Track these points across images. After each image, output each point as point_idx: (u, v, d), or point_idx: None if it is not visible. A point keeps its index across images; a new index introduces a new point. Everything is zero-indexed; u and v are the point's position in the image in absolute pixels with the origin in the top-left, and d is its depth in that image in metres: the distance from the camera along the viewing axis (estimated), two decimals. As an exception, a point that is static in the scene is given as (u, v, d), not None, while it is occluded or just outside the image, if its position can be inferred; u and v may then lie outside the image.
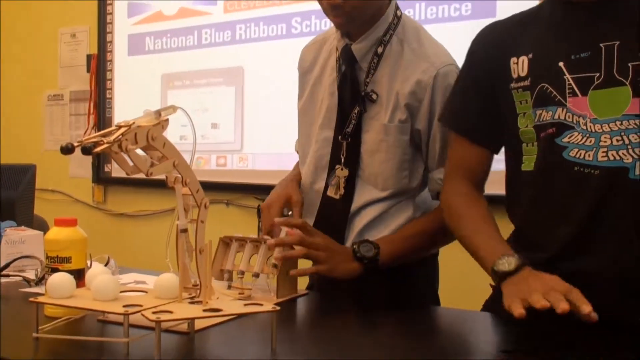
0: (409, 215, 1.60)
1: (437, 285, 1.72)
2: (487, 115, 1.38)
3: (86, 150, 1.02)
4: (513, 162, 1.35)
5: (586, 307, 1.04)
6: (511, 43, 1.33)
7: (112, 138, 1.03)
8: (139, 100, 3.84)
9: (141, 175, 1.11)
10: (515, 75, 1.31)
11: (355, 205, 1.60)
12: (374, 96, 1.58)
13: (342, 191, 1.61)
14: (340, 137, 1.61)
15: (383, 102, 1.57)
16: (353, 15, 1.53)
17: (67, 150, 1.02)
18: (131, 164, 1.07)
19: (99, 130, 3.98)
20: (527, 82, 1.28)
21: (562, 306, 1.04)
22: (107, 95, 3.98)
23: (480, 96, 1.38)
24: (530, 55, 1.29)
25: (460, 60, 1.49)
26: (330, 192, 1.62)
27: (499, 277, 1.20)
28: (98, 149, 1.02)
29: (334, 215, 1.62)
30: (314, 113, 1.69)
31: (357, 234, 1.60)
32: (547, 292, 1.08)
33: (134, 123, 1.07)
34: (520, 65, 1.30)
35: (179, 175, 1.13)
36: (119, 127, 1.06)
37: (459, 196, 1.41)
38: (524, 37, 1.32)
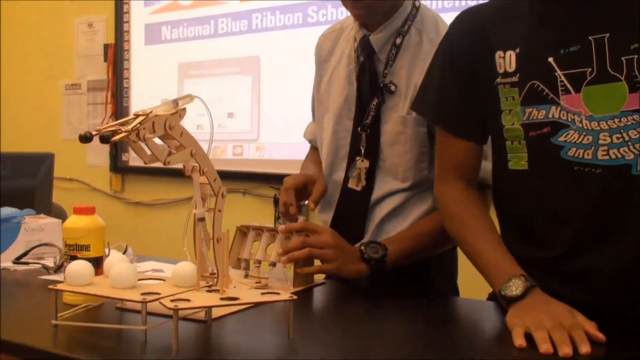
0: (429, 205, 1.59)
1: (456, 275, 1.71)
2: (469, 107, 1.32)
3: (104, 139, 1.02)
4: (498, 159, 1.31)
5: (584, 348, 1.03)
6: (495, 35, 1.26)
7: (130, 127, 1.03)
8: (155, 89, 3.85)
9: (159, 164, 1.11)
10: (501, 70, 1.25)
11: (375, 196, 1.60)
12: (393, 87, 1.57)
13: (363, 182, 1.60)
14: (359, 128, 1.60)
15: (401, 94, 1.56)
16: (373, 7, 1.52)
17: (85, 138, 1.02)
18: (149, 152, 1.08)
19: (116, 120, 4.01)
20: (515, 79, 1.23)
21: (565, 351, 1.02)
22: (124, 85, 3.99)
23: (462, 88, 1.32)
24: (518, 50, 1.23)
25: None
26: (351, 184, 1.61)
27: (507, 302, 1.17)
28: (116, 138, 1.03)
29: (354, 207, 1.62)
30: (330, 101, 1.68)
31: (377, 225, 1.59)
32: (553, 328, 1.06)
33: (151, 112, 1.07)
34: (507, 60, 1.24)
35: (197, 164, 1.14)
36: (137, 116, 1.06)
37: (453, 197, 1.36)
38: (508, 29, 1.25)
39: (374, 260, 1.47)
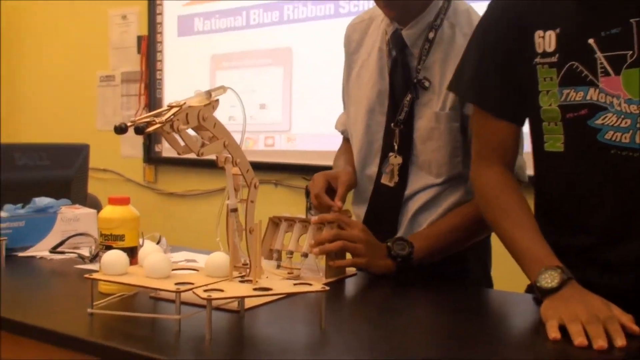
0: (460, 195, 1.58)
1: (490, 266, 1.70)
2: (508, 87, 1.30)
3: (139, 130, 1.03)
4: (534, 141, 1.30)
5: (620, 341, 1.02)
6: (535, 14, 1.24)
7: (164, 118, 1.04)
8: (188, 81, 3.87)
9: (192, 155, 1.12)
10: (540, 50, 1.23)
11: (409, 191, 1.59)
12: (426, 83, 1.55)
13: (396, 179, 1.60)
14: (392, 124, 1.59)
15: (435, 90, 1.55)
16: (407, 7, 1.52)
17: (120, 130, 1.03)
18: (182, 143, 1.09)
19: (149, 112, 4.04)
20: (554, 59, 1.22)
21: (600, 344, 1.01)
22: (157, 76, 4.02)
23: (500, 67, 1.30)
24: (558, 30, 1.21)
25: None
26: (385, 180, 1.61)
27: (542, 293, 1.15)
28: (150, 129, 1.04)
29: (387, 202, 1.61)
30: (361, 95, 1.67)
31: (411, 218, 1.59)
32: (588, 320, 1.05)
33: (185, 103, 1.08)
34: (546, 40, 1.22)
35: (229, 156, 1.14)
36: (171, 107, 1.07)
37: (491, 181, 1.34)
38: (548, 8, 1.23)
39: (400, 257, 1.47)
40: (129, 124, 1.04)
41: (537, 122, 1.27)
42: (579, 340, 1.02)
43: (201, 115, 1.08)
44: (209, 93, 1.11)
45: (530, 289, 1.38)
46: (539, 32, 1.23)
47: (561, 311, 1.09)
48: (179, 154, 1.10)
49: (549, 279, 1.15)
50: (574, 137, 1.21)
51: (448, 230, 1.54)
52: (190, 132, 1.10)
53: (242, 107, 1.18)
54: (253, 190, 1.17)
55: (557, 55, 1.21)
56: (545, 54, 1.23)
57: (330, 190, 1.58)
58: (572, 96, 1.20)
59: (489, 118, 1.33)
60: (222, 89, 1.15)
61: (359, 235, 1.47)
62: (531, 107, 1.27)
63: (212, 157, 1.15)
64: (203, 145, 1.11)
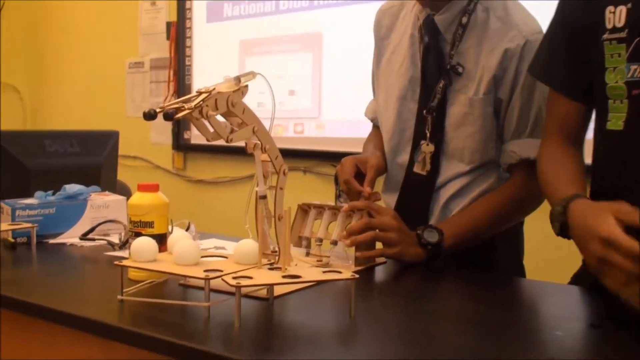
0: (493, 181, 1.57)
1: (522, 254, 1.68)
2: (578, 67, 1.30)
3: (168, 116, 1.03)
4: (598, 119, 1.28)
5: None
6: None
7: (193, 104, 1.05)
8: (217, 67, 3.88)
9: (220, 142, 1.12)
10: (609, 26, 1.22)
11: (440, 180, 1.59)
12: (460, 69, 1.54)
13: (428, 167, 1.58)
14: (425, 111, 1.58)
15: (469, 75, 1.53)
16: None
17: (149, 116, 1.03)
18: (211, 130, 1.09)
19: (178, 98, 4.06)
20: (623, 34, 1.20)
21: None
22: (187, 63, 4.04)
23: (570, 46, 1.31)
24: (629, 5, 1.19)
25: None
26: (417, 169, 1.60)
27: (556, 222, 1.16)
28: (179, 115, 1.04)
29: (419, 191, 1.61)
30: (392, 82, 1.66)
31: (442, 207, 1.58)
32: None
33: (214, 89, 1.08)
34: (617, 15, 1.20)
35: (259, 142, 1.14)
36: (200, 93, 1.07)
37: (550, 152, 1.35)
38: None
39: (430, 245, 1.46)
40: (158, 110, 1.04)
41: (602, 100, 1.26)
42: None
43: (230, 101, 1.08)
44: (237, 79, 1.11)
45: (577, 279, 1.36)
46: (610, 8, 1.22)
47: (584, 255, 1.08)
48: (208, 140, 1.10)
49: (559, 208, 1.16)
50: (637, 115, 1.20)
51: (478, 217, 1.53)
52: (220, 118, 1.10)
53: (271, 93, 1.17)
54: (282, 177, 1.17)
55: (626, 30, 1.20)
56: (614, 30, 1.21)
57: (360, 175, 1.57)
58: (638, 72, 1.19)
59: (558, 96, 1.36)
60: (252, 74, 1.14)
61: (391, 223, 1.46)
62: (597, 84, 1.26)
63: (241, 143, 1.15)
64: (232, 131, 1.11)
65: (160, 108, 1.04)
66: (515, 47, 1.48)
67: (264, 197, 1.17)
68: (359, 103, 1.97)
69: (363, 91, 1.94)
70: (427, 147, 1.58)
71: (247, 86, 1.12)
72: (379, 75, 1.71)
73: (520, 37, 1.49)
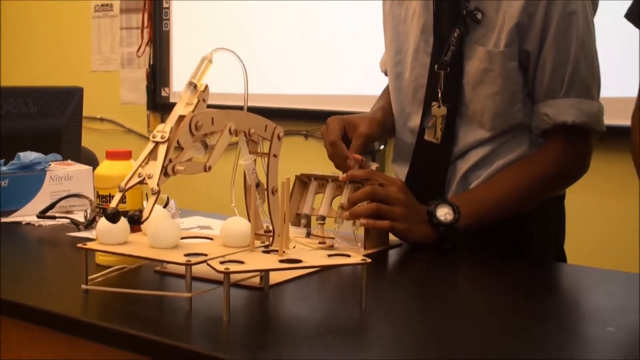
0: (522, 150, 1.56)
1: (563, 237, 1.68)
2: None
3: (134, 221, 1.04)
4: None
5: None
6: None
7: (156, 178, 1.03)
8: (198, 11, 3.86)
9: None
10: None
11: (458, 148, 1.57)
12: (479, 15, 1.52)
13: (440, 133, 1.57)
14: (436, 66, 1.57)
15: (490, 23, 1.51)
16: None
17: (112, 218, 1.03)
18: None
19: (154, 48, 4.04)
20: None
21: None
22: (164, 5, 4.01)
23: None
24: None
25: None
26: (428, 136, 1.58)
27: None
28: (148, 207, 1.03)
29: (433, 161, 1.60)
30: (404, 31, 1.65)
31: (461, 179, 1.58)
32: None
33: (171, 130, 1.05)
34: None
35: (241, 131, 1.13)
36: (155, 142, 1.05)
37: None
38: None
39: (443, 225, 1.45)
40: (117, 197, 1.03)
41: None
42: None
43: (193, 125, 1.06)
44: (192, 84, 1.09)
45: None
46: None
47: None
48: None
49: None
50: None
51: (503, 192, 1.53)
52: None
53: (243, 68, 1.14)
54: (276, 142, 1.17)
55: None
56: None
57: (347, 140, 1.56)
58: None
59: None
60: (207, 61, 1.11)
61: (397, 196, 1.45)
62: None
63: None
64: (207, 150, 1.10)
65: (121, 190, 1.04)
66: None
67: (253, 170, 1.16)
68: (369, 55, 1.97)
69: (372, 44, 1.93)
70: (438, 110, 1.56)
71: (207, 87, 1.09)
72: (388, 15, 1.70)
73: None
